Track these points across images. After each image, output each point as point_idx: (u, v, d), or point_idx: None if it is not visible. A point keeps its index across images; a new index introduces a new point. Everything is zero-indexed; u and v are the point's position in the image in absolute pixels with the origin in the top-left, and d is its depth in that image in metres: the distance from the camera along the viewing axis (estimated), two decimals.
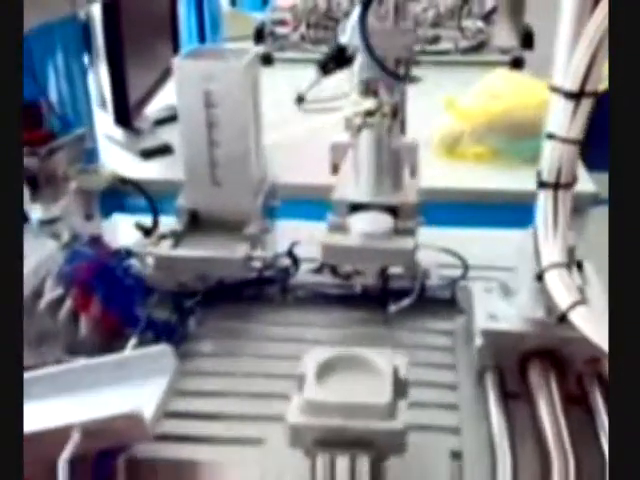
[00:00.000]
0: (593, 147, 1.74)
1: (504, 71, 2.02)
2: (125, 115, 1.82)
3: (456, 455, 0.82)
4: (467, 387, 0.93)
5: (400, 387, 0.74)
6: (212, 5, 3.11)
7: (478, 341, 0.89)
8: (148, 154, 1.83)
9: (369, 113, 0.99)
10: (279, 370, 0.94)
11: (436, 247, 1.17)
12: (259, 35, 2.67)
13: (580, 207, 1.60)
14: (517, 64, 2.52)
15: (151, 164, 1.79)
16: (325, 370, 0.76)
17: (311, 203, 1.17)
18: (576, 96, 0.75)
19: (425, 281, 1.09)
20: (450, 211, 1.54)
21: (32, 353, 0.86)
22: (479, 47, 2.68)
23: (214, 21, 3.10)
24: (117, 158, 1.83)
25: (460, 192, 1.67)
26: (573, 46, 0.74)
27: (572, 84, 0.75)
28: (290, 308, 1.11)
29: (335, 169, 1.08)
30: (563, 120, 0.76)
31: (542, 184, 0.80)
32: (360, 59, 0.98)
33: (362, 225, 1.03)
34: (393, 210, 1.05)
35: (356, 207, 1.06)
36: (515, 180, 1.66)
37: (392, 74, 0.98)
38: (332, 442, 0.71)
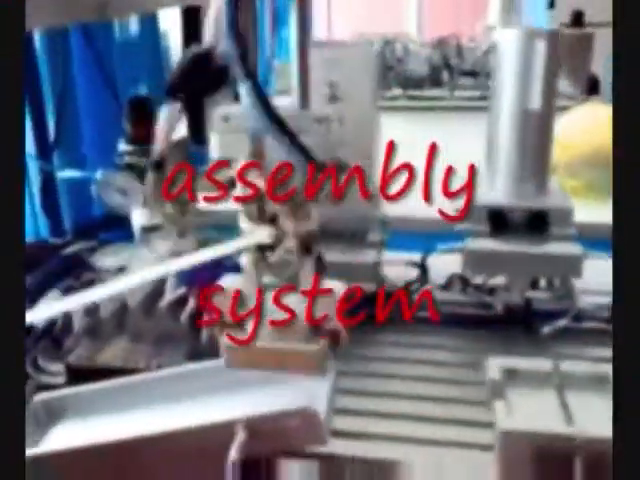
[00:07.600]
0: None
1: (596, 105, 1.92)
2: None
3: None
4: None
5: None
6: (264, 59, 3.08)
7: None
8: None
9: (263, 248, 0.59)
10: (415, 391, 0.84)
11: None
12: None
13: None
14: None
15: None
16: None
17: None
18: None
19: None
20: None
21: (150, 355, 0.73)
22: None
23: (265, 74, 3.06)
24: None
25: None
26: None
27: None
28: (416, 329, 0.98)
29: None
30: None
31: None
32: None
33: None
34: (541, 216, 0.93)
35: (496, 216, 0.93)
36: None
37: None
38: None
